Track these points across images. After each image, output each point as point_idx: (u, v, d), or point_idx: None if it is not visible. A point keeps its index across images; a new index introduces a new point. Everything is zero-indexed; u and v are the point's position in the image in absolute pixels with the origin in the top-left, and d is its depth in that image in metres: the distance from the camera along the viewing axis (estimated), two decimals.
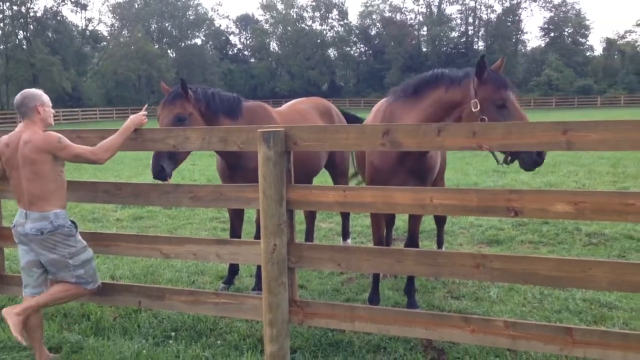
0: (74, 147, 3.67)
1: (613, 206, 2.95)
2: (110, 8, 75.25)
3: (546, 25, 75.92)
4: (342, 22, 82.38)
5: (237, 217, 5.45)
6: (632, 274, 2.99)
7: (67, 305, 4.61)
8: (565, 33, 74.72)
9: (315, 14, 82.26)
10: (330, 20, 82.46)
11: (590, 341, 3.03)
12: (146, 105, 4.55)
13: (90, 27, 70.44)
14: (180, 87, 4.76)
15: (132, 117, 3.94)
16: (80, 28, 69.74)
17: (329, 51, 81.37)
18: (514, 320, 3.26)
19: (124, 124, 3.89)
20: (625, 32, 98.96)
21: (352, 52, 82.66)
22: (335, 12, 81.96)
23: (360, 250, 3.61)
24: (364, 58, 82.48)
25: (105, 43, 71.49)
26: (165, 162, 4.52)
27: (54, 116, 3.83)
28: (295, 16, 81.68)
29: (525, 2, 76.80)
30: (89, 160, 3.69)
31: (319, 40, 79.61)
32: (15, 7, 58.90)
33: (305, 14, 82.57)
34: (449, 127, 3.28)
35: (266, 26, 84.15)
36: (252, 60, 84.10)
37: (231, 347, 4.03)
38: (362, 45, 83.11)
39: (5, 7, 58.21)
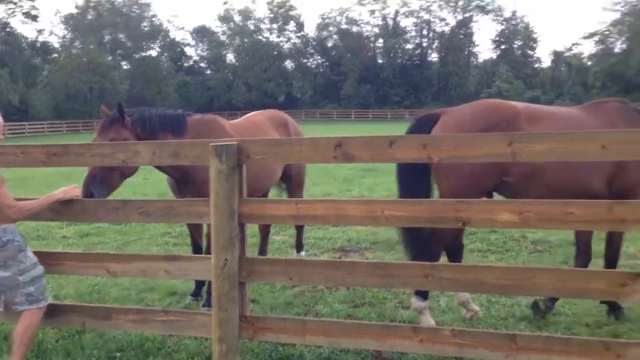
0: (1, 197, 3.55)
1: (555, 215, 3.05)
2: (62, 19, 73.53)
3: (497, 38, 78.13)
4: (299, 34, 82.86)
5: (196, 229, 5.44)
6: (574, 281, 3.10)
7: (7, 327, 4.42)
8: (515, 45, 77.02)
9: (273, 25, 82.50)
10: (287, 32, 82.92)
11: (534, 347, 3.10)
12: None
13: (40, 39, 68.63)
14: (117, 111, 4.69)
15: (63, 188, 3.83)
16: (29, 40, 67.80)
17: (286, 63, 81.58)
18: (461, 329, 3.31)
19: (54, 192, 3.77)
20: (572, 44, 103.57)
21: (308, 63, 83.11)
22: (292, 24, 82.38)
23: (312, 263, 3.61)
24: (321, 70, 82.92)
25: (56, 55, 69.64)
26: (95, 189, 4.47)
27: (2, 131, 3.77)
28: (252, 28, 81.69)
29: (477, 15, 78.85)
30: (6, 213, 3.59)
31: (275, 52, 79.82)
32: None
33: (262, 26, 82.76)
34: (400, 139, 3.32)
35: (223, 38, 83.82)
36: (208, 72, 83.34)
37: None
38: (319, 57, 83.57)
39: None
